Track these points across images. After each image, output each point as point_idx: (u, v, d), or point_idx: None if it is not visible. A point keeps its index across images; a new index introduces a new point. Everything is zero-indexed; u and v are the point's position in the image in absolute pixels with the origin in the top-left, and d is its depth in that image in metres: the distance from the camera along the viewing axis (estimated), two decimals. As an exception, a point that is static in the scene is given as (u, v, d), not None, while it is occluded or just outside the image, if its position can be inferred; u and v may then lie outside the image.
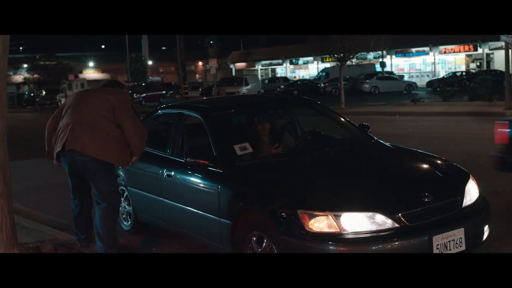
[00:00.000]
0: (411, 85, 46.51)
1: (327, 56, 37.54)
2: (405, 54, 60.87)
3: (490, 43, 51.81)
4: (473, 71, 50.26)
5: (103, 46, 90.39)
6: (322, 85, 49.11)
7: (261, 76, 66.50)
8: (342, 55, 29.40)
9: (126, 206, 7.29)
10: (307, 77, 66.02)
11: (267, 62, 74.75)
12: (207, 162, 5.61)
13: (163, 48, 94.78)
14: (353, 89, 45.77)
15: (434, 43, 56.16)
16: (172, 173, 6.15)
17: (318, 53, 47.67)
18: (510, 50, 22.56)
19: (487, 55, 54.83)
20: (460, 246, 4.73)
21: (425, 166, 5.52)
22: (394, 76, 49.91)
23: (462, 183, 5.16)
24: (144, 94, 48.55)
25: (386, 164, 5.69)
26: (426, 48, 58.06)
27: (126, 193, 7.23)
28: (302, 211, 4.58)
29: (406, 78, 54.04)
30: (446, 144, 13.07)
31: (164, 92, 52.45)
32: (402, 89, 45.49)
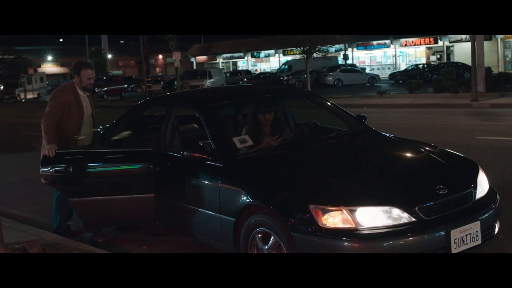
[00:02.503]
0: (374, 78, 46.90)
1: (292, 49, 37.42)
2: (366, 47, 61.17)
3: (450, 36, 52.35)
4: (434, 63, 50.75)
5: (61, 40, 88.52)
6: (285, 78, 48.92)
7: (223, 69, 65.88)
8: (308, 47, 29.30)
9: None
10: (268, 70, 65.77)
11: (228, 55, 74.30)
12: (205, 156, 5.32)
13: (122, 41, 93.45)
14: (317, 82, 45.68)
15: (395, 36, 56.52)
16: (166, 168, 5.85)
17: (282, 46, 47.46)
18: (475, 43, 22.79)
19: (447, 47, 55.45)
20: (477, 240, 4.57)
21: (434, 157, 5.31)
22: (357, 69, 50.15)
23: (474, 175, 5.00)
24: (105, 88, 48.16)
25: (395, 156, 5.48)
26: (387, 41, 58.44)
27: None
28: (314, 206, 4.36)
29: (367, 70, 54.41)
30: (424, 135, 12.97)
31: (126, 86, 52.02)
32: (365, 82, 45.87)
